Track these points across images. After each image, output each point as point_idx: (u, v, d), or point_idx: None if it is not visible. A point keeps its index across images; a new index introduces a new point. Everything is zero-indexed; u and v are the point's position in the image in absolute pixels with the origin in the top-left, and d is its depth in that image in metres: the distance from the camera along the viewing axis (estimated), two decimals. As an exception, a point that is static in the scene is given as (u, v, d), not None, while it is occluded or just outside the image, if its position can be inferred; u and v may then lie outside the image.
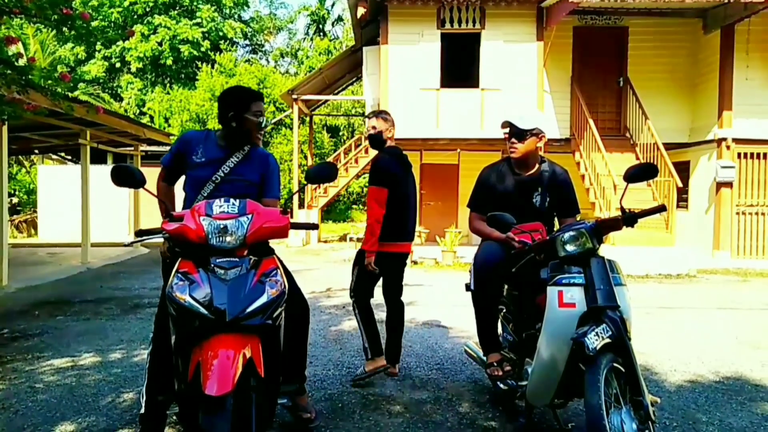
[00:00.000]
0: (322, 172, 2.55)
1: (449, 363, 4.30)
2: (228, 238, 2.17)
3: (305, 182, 2.61)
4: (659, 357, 4.49)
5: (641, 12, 11.81)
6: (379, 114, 3.91)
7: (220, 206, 2.25)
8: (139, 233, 2.28)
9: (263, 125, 2.77)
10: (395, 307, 3.94)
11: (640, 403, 2.34)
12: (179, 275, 2.14)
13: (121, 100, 27.49)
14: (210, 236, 2.16)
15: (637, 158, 11.18)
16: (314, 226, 2.62)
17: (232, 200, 2.29)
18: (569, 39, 12.24)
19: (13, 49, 5.75)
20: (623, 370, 2.40)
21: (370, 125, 3.86)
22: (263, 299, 2.11)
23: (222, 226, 2.17)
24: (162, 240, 2.37)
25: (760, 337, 5.25)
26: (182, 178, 2.89)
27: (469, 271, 3.27)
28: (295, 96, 14.79)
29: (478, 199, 3.39)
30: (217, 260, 2.14)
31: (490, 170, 3.40)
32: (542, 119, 3.48)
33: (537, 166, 3.27)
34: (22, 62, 7.14)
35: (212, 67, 25.18)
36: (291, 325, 2.51)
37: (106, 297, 7.23)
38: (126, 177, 2.34)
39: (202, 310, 2.03)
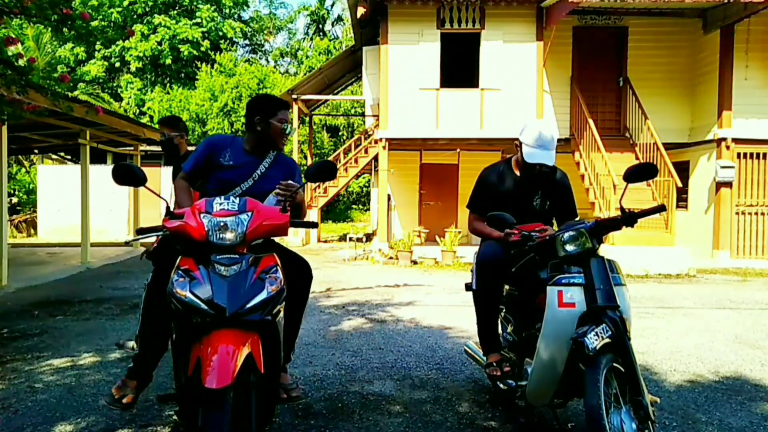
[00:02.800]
0: (321, 170, 2.55)
1: (449, 363, 4.30)
2: (228, 235, 2.18)
3: (305, 180, 2.63)
4: (659, 357, 4.49)
5: (641, 12, 11.81)
6: (168, 122, 4.25)
7: (220, 204, 2.26)
8: (140, 231, 2.29)
9: (287, 132, 2.81)
10: None
11: (639, 403, 2.34)
12: (180, 272, 2.15)
13: (121, 100, 27.47)
14: (210, 233, 2.17)
15: (637, 158, 11.18)
16: (313, 225, 2.64)
17: (232, 198, 2.31)
18: (569, 39, 12.24)
19: (12, 50, 5.76)
20: (623, 370, 2.40)
21: (161, 132, 4.22)
22: (263, 295, 2.13)
23: (222, 224, 2.19)
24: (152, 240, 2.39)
25: (760, 336, 5.25)
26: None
27: (471, 271, 3.27)
28: (294, 96, 14.80)
29: (478, 200, 3.38)
30: (218, 257, 2.16)
31: (490, 171, 3.39)
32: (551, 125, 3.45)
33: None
34: (21, 62, 7.14)
35: (212, 66, 25.17)
36: (294, 279, 2.54)
37: (106, 297, 7.23)
38: (127, 175, 2.37)
39: (203, 305, 2.04)
